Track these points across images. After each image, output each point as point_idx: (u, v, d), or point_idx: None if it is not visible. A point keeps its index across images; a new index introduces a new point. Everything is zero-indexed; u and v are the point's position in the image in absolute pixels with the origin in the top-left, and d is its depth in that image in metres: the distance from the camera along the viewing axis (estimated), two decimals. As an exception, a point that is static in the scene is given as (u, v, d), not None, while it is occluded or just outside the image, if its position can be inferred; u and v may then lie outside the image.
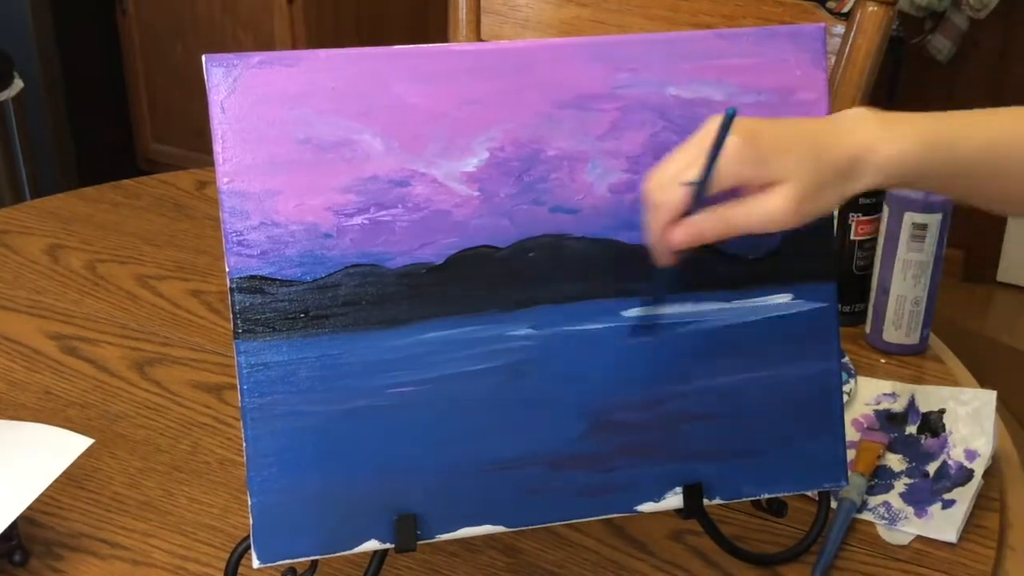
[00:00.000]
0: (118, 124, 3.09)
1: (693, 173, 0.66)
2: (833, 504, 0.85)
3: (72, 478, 0.87)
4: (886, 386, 0.99)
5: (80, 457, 0.82)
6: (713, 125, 0.67)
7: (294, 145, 0.69)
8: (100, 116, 3.05)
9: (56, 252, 1.23)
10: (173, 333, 1.09)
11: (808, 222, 0.68)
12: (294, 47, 2.78)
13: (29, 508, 0.79)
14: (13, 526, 0.78)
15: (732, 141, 0.66)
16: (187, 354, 1.05)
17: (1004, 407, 0.95)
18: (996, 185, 0.72)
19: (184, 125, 2.94)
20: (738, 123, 0.66)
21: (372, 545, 0.71)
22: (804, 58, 0.75)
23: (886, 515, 0.85)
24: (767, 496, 0.78)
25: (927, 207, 1.01)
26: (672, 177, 0.67)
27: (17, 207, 1.35)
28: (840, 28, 1.31)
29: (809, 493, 0.83)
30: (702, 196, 0.66)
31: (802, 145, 0.68)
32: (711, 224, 0.67)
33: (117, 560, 0.81)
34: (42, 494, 0.80)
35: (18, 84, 2.41)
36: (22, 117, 2.43)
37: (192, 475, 0.89)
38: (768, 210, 0.67)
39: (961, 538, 0.83)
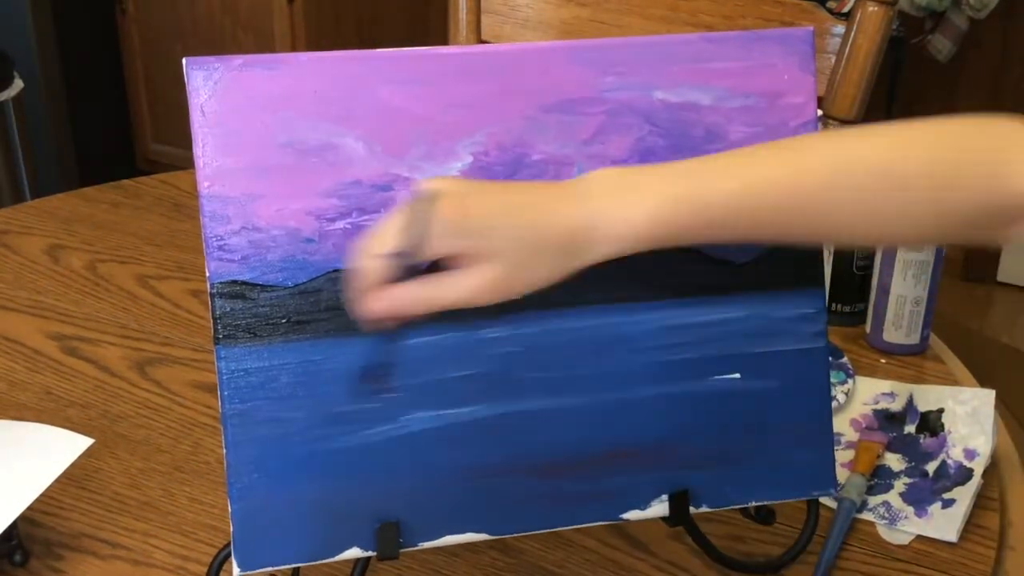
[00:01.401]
0: (118, 124, 3.09)
1: (392, 242, 0.63)
2: (833, 504, 0.85)
3: (72, 478, 0.87)
4: (885, 386, 0.99)
5: (80, 457, 0.82)
6: (422, 192, 0.63)
7: (276, 149, 0.68)
8: (100, 116, 3.05)
9: (56, 252, 1.23)
10: (173, 333, 1.09)
11: (518, 296, 0.64)
12: (294, 47, 2.78)
13: (29, 508, 0.79)
14: (13, 526, 0.78)
15: (438, 209, 0.62)
16: (188, 354, 1.05)
17: (1004, 407, 0.95)
18: (773, 231, 0.66)
19: (184, 125, 2.91)
20: (449, 190, 0.63)
21: (354, 553, 0.70)
22: (792, 61, 0.74)
23: (886, 515, 0.85)
24: (755, 504, 0.77)
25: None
26: (374, 243, 0.64)
27: (17, 207, 1.35)
28: (840, 28, 1.31)
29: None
30: (409, 266, 0.63)
31: (514, 218, 0.63)
32: (410, 297, 0.64)
33: (117, 560, 0.81)
34: (42, 494, 0.80)
35: (18, 84, 2.41)
36: (22, 117, 2.43)
37: (193, 475, 0.89)
38: (466, 288, 0.63)
39: (961, 538, 0.83)
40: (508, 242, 0.63)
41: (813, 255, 0.75)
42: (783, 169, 0.66)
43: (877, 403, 0.98)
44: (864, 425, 0.95)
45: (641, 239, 0.64)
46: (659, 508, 0.74)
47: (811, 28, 0.75)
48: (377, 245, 0.64)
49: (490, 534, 0.72)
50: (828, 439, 0.76)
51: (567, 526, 0.74)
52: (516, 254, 0.63)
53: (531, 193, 0.66)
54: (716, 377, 0.74)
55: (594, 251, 0.64)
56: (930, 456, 0.91)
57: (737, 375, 0.74)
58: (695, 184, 0.65)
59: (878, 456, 0.90)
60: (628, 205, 0.64)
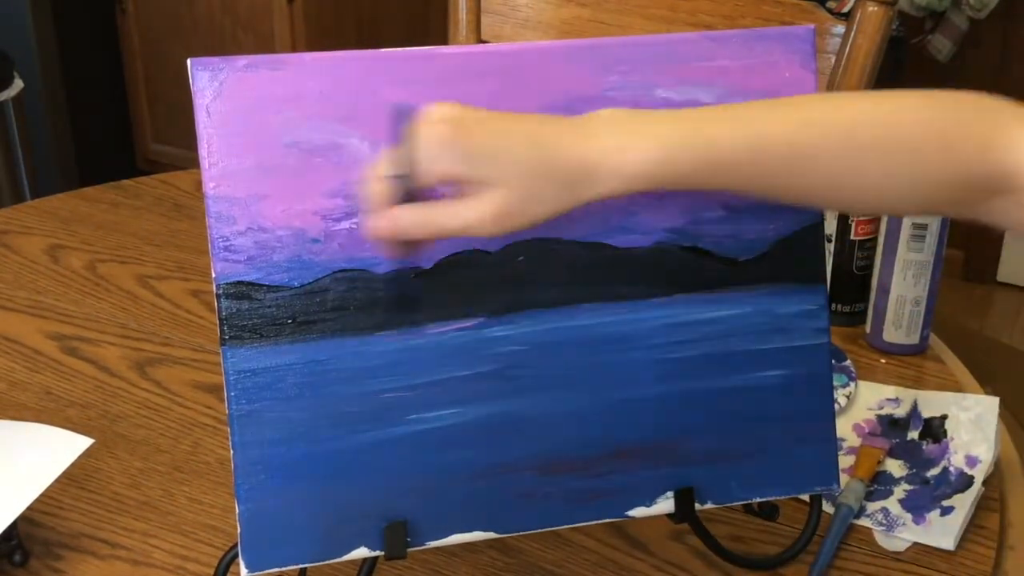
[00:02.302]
0: (118, 124, 3.09)
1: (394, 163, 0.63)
2: (831, 509, 0.85)
3: (72, 478, 0.87)
4: (889, 391, 0.99)
5: (80, 457, 0.82)
6: (424, 115, 0.63)
7: (281, 149, 0.68)
8: (100, 116, 3.05)
9: (56, 252, 1.23)
10: (173, 333, 1.09)
11: (523, 229, 0.64)
12: (294, 47, 2.78)
13: (29, 508, 0.79)
14: (13, 526, 0.78)
15: (438, 131, 0.62)
16: (187, 354, 1.05)
17: (1004, 407, 0.95)
18: (776, 182, 0.67)
19: (184, 125, 2.94)
20: (452, 112, 0.62)
21: (362, 553, 0.70)
22: (793, 59, 0.74)
23: (883, 521, 0.85)
24: (759, 500, 0.78)
25: (927, 207, 1.01)
26: (378, 166, 0.64)
27: (17, 207, 1.35)
28: (840, 28, 1.31)
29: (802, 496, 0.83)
30: (409, 191, 0.63)
31: (523, 146, 0.63)
32: (410, 219, 0.63)
33: (117, 560, 0.81)
34: (42, 494, 0.80)
35: (18, 84, 2.41)
36: (22, 117, 2.43)
37: (192, 475, 0.89)
38: (469, 216, 0.63)
39: (961, 539, 0.83)
40: (512, 169, 0.62)
41: (815, 252, 0.76)
42: (786, 122, 0.67)
43: (881, 408, 0.97)
44: (867, 430, 0.95)
45: (643, 177, 0.64)
46: (664, 505, 0.74)
47: (812, 27, 0.75)
48: (380, 167, 0.64)
49: (497, 532, 0.72)
50: (830, 435, 0.77)
51: (573, 524, 0.74)
52: (520, 182, 0.62)
53: (539, 124, 0.65)
54: (720, 374, 0.74)
55: (597, 187, 0.64)
56: (932, 463, 0.91)
57: (740, 371, 0.74)
58: (703, 128, 0.65)
59: (879, 462, 0.90)
60: (635, 143, 0.64)
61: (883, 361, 1.06)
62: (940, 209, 0.70)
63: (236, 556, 0.69)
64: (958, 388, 1.01)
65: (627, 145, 0.64)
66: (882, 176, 0.66)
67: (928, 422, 0.95)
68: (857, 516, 0.85)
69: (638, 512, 0.74)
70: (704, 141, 0.65)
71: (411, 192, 0.63)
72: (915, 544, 0.83)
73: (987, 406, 0.94)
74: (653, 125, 0.65)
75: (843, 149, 0.66)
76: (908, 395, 0.98)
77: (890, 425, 0.95)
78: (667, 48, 0.73)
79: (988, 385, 1.03)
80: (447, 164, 0.62)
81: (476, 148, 0.62)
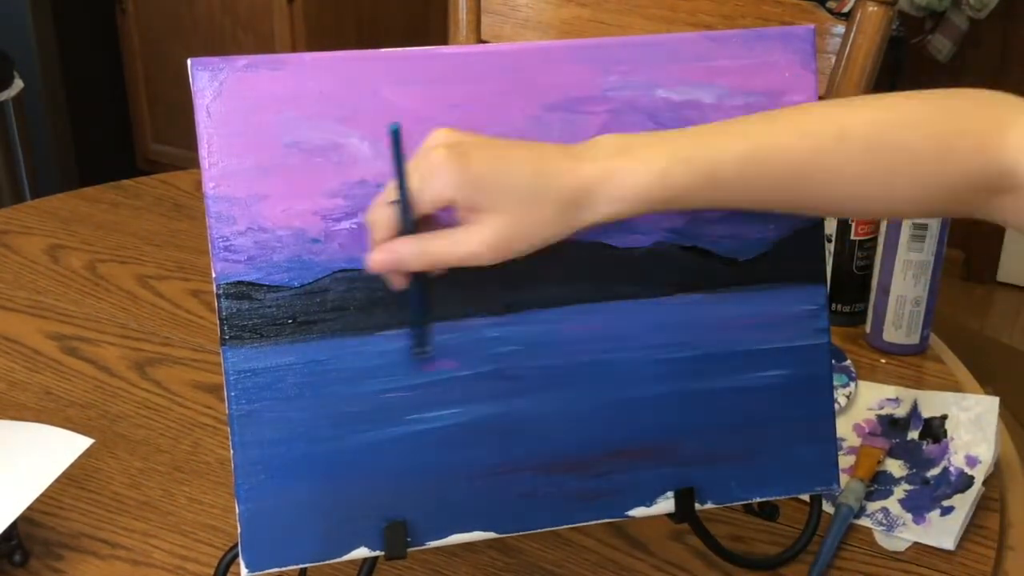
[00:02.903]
0: (118, 124, 3.09)
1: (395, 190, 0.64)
2: (831, 509, 0.85)
3: (72, 478, 0.87)
4: (889, 391, 0.99)
5: (80, 457, 0.82)
6: (427, 142, 0.63)
7: (281, 149, 0.68)
8: (100, 116, 3.05)
9: (56, 252, 1.23)
10: (173, 333, 1.09)
11: (522, 255, 0.64)
12: (294, 47, 2.78)
13: (29, 508, 0.79)
14: (13, 526, 0.78)
15: (437, 157, 0.62)
16: (188, 354, 1.05)
17: (1004, 407, 0.95)
18: (776, 195, 0.67)
19: (184, 125, 2.94)
20: (451, 138, 0.63)
21: (362, 553, 0.70)
22: (794, 59, 0.74)
23: (884, 521, 0.85)
24: (759, 500, 0.78)
25: (927, 207, 1.01)
26: (384, 195, 0.65)
27: (17, 207, 1.35)
28: (840, 28, 1.31)
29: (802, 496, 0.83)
30: (409, 218, 0.63)
31: (522, 171, 0.63)
32: (410, 251, 0.64)
33: (117, 560, 0.81)
34: (42, 494, 0.80)
35: (18, 84, 2.41)
36: (22, 117, 2.44)
37: (192, 475, 0.89)
38: (469, 245, 0.63)
39: (961, 539, 0.83)
40: (511, 195, 0.62)
41: (815, 252, 0.76)
42: (784, 134, 0.66)
43: (881, 408, 0.97)
44: (867, 431, 0.95)
45: (642, 199, 0.64)
46: (665, 505, 0.74)
47: (812, 27, 0.76)
48: (383, 195, 0.65)
49: (497, 532, 0.72)
50: (831, 435, 0.77)
51: (573, 523, 0.74)
52: (518, 208, 0.62)
53: (538, 150, 0.65)
54: (720, 374, 0.74)
55: (598, 210, 0.64)
56: (932, 463, 0.91)
57: (740, 371, 0.74)
58: (703, 144, 0.65)
59: (879, 462, 0.90)
60: (636, 164, 0.64)
61: (883, 361, 1.06)
62: (944, 211, 0.70)
63: (236, 556, 0.69)
64: (958, 388, 1.01)
65: (624, 167, 0.64)
66: (882, 182, 0.66)
67: (928, 422, 0.95)
68: (857, 516, 0.85)
69: (638, 512, 0.74)
70: (702, 158, 0.65)
71: (411, 223, 0.64)
72: (915, 544, 0.83)
73: (987, 406, 0.94)
74: (650, 147, 0.65)
75: (841, 158, 0.65)
76: (908, 395, 0.98)
77: (890, 425, 0.96)
78: (667, 48, 0.73)
79: (988, 385, 1.03)
80: (446, 190, 0.62)
81: (475, 174, 0.62)
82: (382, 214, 0.65)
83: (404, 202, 0.63)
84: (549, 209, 0.63)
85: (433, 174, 0.62)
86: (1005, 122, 0.64)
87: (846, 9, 1.32)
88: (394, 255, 0.64)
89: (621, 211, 0.64)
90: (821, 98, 1.34)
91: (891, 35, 1.31)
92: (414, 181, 0.63)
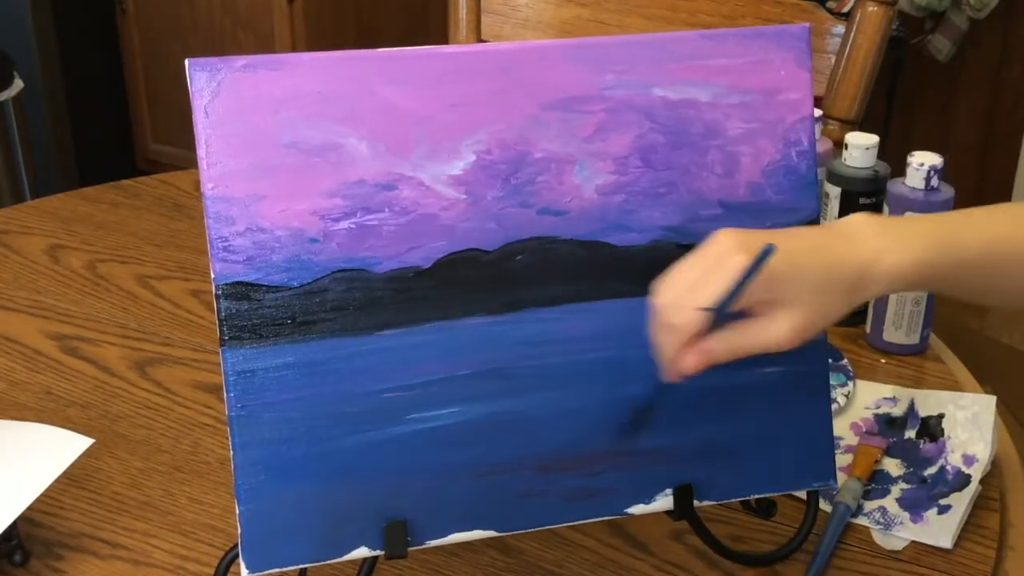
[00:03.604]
0: (118, 124, 3.09)
1: (708, 296, 0.66)
2: (829, 508, 0.85)
3: (72, 478, 0.87)
4: (886, 390, 0.99)
5: (80, 457, 0.83)
6: (723, 245, 0.67)
7: (279, 149, 0.68)
8: (100, 116, 3.05)
9: (56, 252, 1.23)
10: (174, 333, 1.09)
11: (819, 335, 0.69)
12: (294, 47, 2.78)
13: (29, 508, 0.79)
14: (13, 526, 0.78)
15: (742, 262, 0.65)
16: (188, 354, 1.05)
17: (1004, 407, 0.95)
18: (1002, 284, 0.73)
19: (184, 125, 2.91)
20: (741, 241, 0.66)
21: (362, 552, 0.70)
22: (789, 58, 0.75)
23: (881, 520, 0.85)
24: (756, 497, 0.78)
25: (927, 207, 1.01)
26: (685, 297, 0.67)
27: (17, 207, 1.35)
28: (840, 28, 1.32)
29: (799, 493, 0.83)
30: (718, 321, 0.66)
31: (815, 269, 0.68)
32: (722, 349, 0.67)
33: (117, 560, 0.81)
34: (42, 494, 0.80)
35: (18, 84, 2.41)
36: (22, 117, 2.44)
37: (192, 475, 0.89)
38: (774, 336, 0.67)
39: (961, 538, 0.83)
40: (806, 288, 0.67)
41: None
42: (1020, 225, 0.72)
43: (879, 407, 0.98)
44: (864, 429, 0.95)
45: (908, 279, 0.70)
46: (663, 503, 0.74)
47: (807, 25, 0.76)
48: (689, 295, 0.66)
49: (497, 531, 0.72)
50: (827, 431, 0.77)
51: (572, 521, 0.74)
52: (812, 298, 0.67)
53: (816, 240, 0.70)
54: (717, 371, 0.74)
55: (872, 288, 0.69)
56: (929, 461, 0.91)
57: (737, 369, 0.74)
58: (955, 233, 0.71)
59: (876, 461, 0.90)
60: (901, 247, 0.69)
61: (883, 361, 1.06)
62: None
63: (236, 556, 0.69)
64: (958, 388, 1.01)
65: (892, 248, 0.69)
66: None
67: (925, 421, 0.95)
68: (855, 515, 0.85)
69: (637, 509, 0.74)
70: (958, 245, 0.70)
71: (715, 323, 0.66)
72: (913, 543, 0.83)
73: (984, 405, 0.94)
74: (914, 231, 0.70)
75: None
76: (905, 394, 0.98)
77: (887, 424, 0.96)
78: (664, 47, 0.73)
79: (988, 385, 1.03)
80: (752, 294, 0.66)
81: (774, 276, 0.66)
82: (692, 318, 0.66)
83: (723, 312, 0.66)
84: (839, 293, 0.68)
85: (739, 280, 0.66)
86: None
87: (846, 9, 1.32)
88: (707, 354, 0.67)
89: (887, 289, 0.70)
90: (820, 98, 1.34)
91: (891, 35, 1.31)
92: (734, 286, 0.65)
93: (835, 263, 0.68)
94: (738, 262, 0.65)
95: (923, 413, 0.96)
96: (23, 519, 0.79)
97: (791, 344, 0.68)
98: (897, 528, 0.84)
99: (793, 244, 0.68)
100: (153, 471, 0.90)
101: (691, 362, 0.67)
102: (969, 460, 0.90)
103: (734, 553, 0.80)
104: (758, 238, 0.67)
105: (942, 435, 0.93)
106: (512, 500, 0.72)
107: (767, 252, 0.65)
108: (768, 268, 0.66)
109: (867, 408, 0.98)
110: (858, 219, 0.70)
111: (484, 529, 0.72)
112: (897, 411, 0.97)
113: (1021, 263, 0.72)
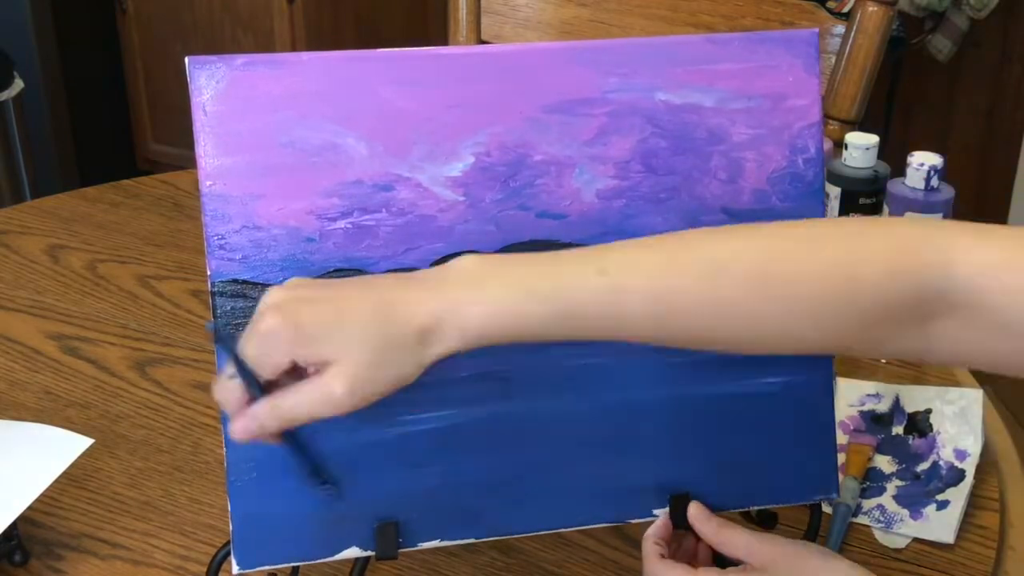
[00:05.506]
0: (118, 124, 3.09)
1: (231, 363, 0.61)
2: (829, 509, 0.85)
3: (72, 478, 0.87)
4: (869, 387, 0.99)
5: (80, 457, 0.83)
6: (262, 305, 0.61)
7: (277, 149, 0.68)
8: (100, 116, 3.05)
9: (56, 252, 1.23)
10: (174, 333, 1.09)
11: (379, 399, 0.61)
12: (294, 47, 2.78)
13: (29, 508, 0.79)
14: (13, 526, 0.78)
15: (270, 324, 0.59)
16: (188, 354, 1.05)
17: (1003, 406, 0.95)
18: (641, 331, 0.63)
19: (184, 125, 2.91)
20: (280, 297, 0.60)
21: (353, 552, 0.70)
22: (796, 63, 0.73)
23: (881, 518, 0.85)
24: (756, 508, 0.77)
25: (927, 207, 1.01)
26: (226, 371, 0.62)
27: (17, 207, 1.35)
28: (840, 28, 1.31)
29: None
30: (255, 387, 0.61)
31: (356, 321, 0.60)
32: (266, 414, 0.61)
33: (117, 560, 0.81)
34: (42, 494, 0.80)
35: (18, 84, 2.41)
36: (22, 117, 2.44)
37: (192, 475, 0.89)
38: (318, 397, 0.60)
39: (961, 538, 0.83)
40: (352, 342, 0.59)
41: None
42: (655, 267, 0.62)
43: (863, 404, 0.97)
44: (852, 427, 0.95)
45: (490, 333, 0.60)
46: (661, 512, 0.74)
47: (816, 30, 0.75)
48: (224, 370, 0.62)
49: (490, 535, 0.72)
50: (831, 441, 0.76)
51: (567, 528, 0.74)
52: (362, 353, 0.59)
53: (378, 289, 0.62)
54: (719, 379, 0.74)
55: (444, 344, 0.60)
56: (920, 458, 0.91)
57: (738, 379, 0.74)
58: (557, 276, 0.61)
59: (869, 458, 0.90)
60: (479, 295, 0.60)
61: (883, 361, 1.06)
62: (854, 344, 0.65)
63: (228, 554, 0.69)
64: (957, 387, 1.01)
65: (473, 299, 0.60)
66: (778, 317, 0.62)
67: (912, 417, 0.95)
68: (854, 515, 0.85)
69: (634, 519, 0.74)
70: (560, 291, 0.61)
71: (259, 390, 0.61)
72: (914, 541, 0.83)
73: (971, 399, 0.94)
74: (502, 277, 0.61)
75: (724, 292, 0.61)
76: (889, 390, 0.98)
77: (873, 421, 0.95)
78: (668, 50, 0.73)
79: (988, 385, 1.03)
80: (283, 356, 0.60)
81: (308, 330, 0.59)
82: (227, 388, 0.61)
83: (246, 376, 0.61)
84: (398, 349, 0.60)
85: (267, 342, 0.60)
86: (936, 240, 0.60)
87: (846, 9, 1.32)
88: (253, 421, 0.61)
89: (462, 345, 0.61)
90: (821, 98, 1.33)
91: (891, 35, 1.31)
92: (250, 350, 0.60)
93: (393, 318, 0.60)
94: (263, 324, 0.60)
95: (909, 409, 0.95)
96: (23, 519, 0.79)
97: (352, 404, 0.60)
98: (898, 526, 0.84)
99: (345, 297, 0.61)
100: (153, 471, 0.90)
101: (238, 428, 0.61)
102: (961, 455, 0.90)
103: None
104: (301, 294, 0.61)
105: (931, 431, 0.93)
106: (506, 504, 0.72)
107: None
108: (296, 324, 0.59)
109: (851, 405, 0.97)
110: (458, 262, 0.62)
111: (477, 533, 0.72)
112: (882, 407, 0.97)
113: (647, 310, 0.61)
